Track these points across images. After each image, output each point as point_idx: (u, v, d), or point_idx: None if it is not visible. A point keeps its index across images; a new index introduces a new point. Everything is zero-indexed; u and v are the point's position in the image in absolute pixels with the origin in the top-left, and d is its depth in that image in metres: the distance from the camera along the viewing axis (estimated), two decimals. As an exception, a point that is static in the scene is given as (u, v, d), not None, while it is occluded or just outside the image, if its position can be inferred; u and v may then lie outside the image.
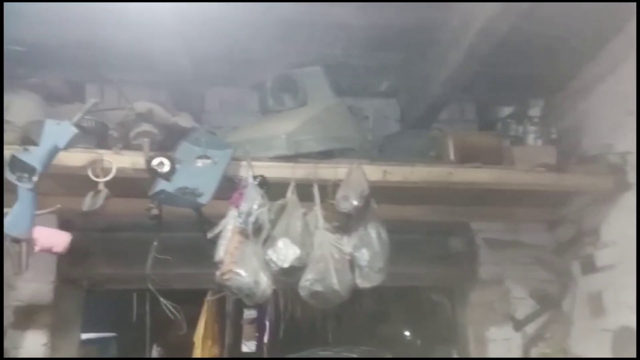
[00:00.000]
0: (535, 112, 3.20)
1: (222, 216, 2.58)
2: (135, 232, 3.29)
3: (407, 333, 9.02)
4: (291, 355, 7.35)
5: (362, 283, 2.48)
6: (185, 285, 3.39)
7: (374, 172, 2.70)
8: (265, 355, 8.16)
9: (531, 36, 2.92)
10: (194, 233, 2.92)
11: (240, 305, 7.97)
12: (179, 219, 2.63)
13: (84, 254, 3.18)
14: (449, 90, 3.22)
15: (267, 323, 8.50)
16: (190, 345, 6.84)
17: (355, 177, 2.56)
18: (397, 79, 3.62)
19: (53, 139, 2.23)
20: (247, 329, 8.84)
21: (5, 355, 2.95)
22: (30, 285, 3.04)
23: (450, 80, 3.09)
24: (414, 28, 3.10)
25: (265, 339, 8.43)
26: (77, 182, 2.63)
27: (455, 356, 6.33)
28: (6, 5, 2.63)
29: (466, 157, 2.89)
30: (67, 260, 3.04)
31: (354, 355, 7.10)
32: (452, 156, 2.89)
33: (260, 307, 8.45)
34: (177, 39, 2.71)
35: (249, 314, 8.92)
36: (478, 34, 2.69)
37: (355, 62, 3.41)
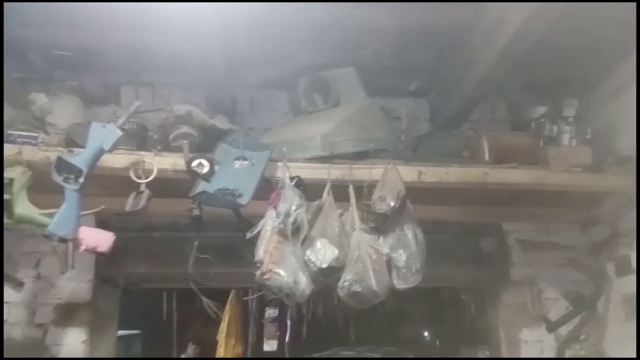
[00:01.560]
0: (569, 112, 3.17)
1: (258, 216, 2.62)
2: (169, 232, 3.35)
3: (426, 334, 9.03)
4: (315, 355, 7.40)
5: (400, 284, 2.50)
6: (218, 284, 3.42)
7: (409, 173, 2.71)
8: (287, 354, 8.22)
9: (565, 37, 2.90)
10: (226, 233, 2.99)
11: (262, 305, 8.05)
12: (212, 219, 2.68)
13: (121, 254, 3.23)
14: (482, 91, 3.22)
15: (289, 322, 8.57)
16: (214, 343, 6.93)
17: (391, 177, 2.58)
18: (426, 80, 3.62)
19: (98, 141, 2.28)
20: (269, 328, 8.89)
21: (47, 352, 3.03)
22: (70, 284, 3.11)
23: (483, 81, 3.09)
24: (445, 29, 3.12)
25: (287, 338, 8.50)
26: (115, 183, 2.69)
27: (480, 356, 6.31)
28: (47, 11, 2.71)
29: (501, 157, 2.88)
30: (105, 260, 3.11)
31: (378, 355, 7.13)
32: (487, 156, 2.88)
33: (281, 307, 8.52)
34: (214, 41, 2.75)
35: (271, 313, 8.98)
36: (514, 35, 2.67)
37: (385, 63, 3.43)
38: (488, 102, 3.67)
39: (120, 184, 2.66)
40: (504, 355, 3.47)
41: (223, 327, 6.80)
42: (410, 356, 7.57)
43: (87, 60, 3.18)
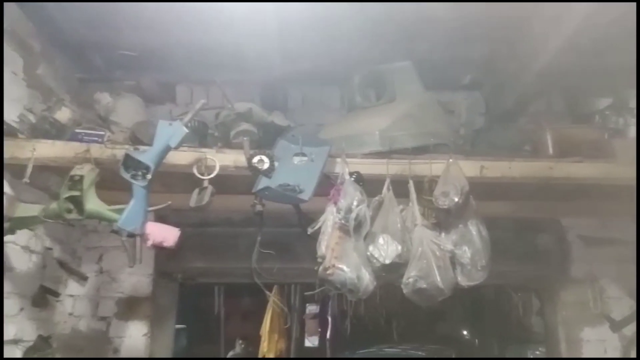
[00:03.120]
0: (635, 103, 3.04)
1: (316, 212, 2.62)
2: (224, 227, 3.40)
3: (465, 332, 8.91)
4: (360, 351, 7.38)
5: (464, 281, 2.45)
6: (272, 279, 3.45)
7: (471, 168, 2.66)
8: (328, 351, 8.24)
9: (630, 25, 2.78)
10: (279, 229, 3.00)
11: (303, 301, 8.09)
12: (265, 215, 2.68)
13: (179, 249, 3.29)
14: (542, 83, 3.13)
15: (330, 319, 8.59)
16: (258, 338, 7.00)
17: (453, 173, 2.53)
18: (481, 72, 3.55)
19: (165, 139, 2.31)
20: (310, 324, 8.95)
21: (110, 344, 3.13)
22: (131, 278, 3.20)
23: (544, 73, 3.00)
24: (502, 20, 3.03)
25: (328, 334, 8.52)
26: (175, 179, 2.74)
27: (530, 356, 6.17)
28: (108, 13, 2.77)
29: (565, 151, 2.79)
30: (164, 255, 3.18)
31: (422, 354, 7.07)
32: (551, 150, 2.79)
33: (322, 303, 8.55)
34: (272, 39, 2.76)
35: (312, 309, 9.03)
36: (579, 26, 2.59)
37: (439, 56, 3.36)
38: (546, 95, 3.57)
39: (180, 180, 2.71)
40: (564, 355, 3.38)
41: (266, 322, 6.88)
42: (453, 356, 7.49)
43: (144, 60, 3.25)
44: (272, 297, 5.88)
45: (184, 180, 2.67)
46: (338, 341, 8.07)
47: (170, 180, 2.79)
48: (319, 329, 8.69)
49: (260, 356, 6.71)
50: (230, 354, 7.10)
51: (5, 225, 2.45)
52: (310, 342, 8.71)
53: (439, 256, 2.40)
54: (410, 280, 2.35)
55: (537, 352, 6.21)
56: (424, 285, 2.33)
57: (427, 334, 8.32)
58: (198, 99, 3.48)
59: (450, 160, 2.59)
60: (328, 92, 3.69)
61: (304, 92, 3.69)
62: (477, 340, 8.73)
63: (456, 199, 2.42)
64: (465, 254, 2.45)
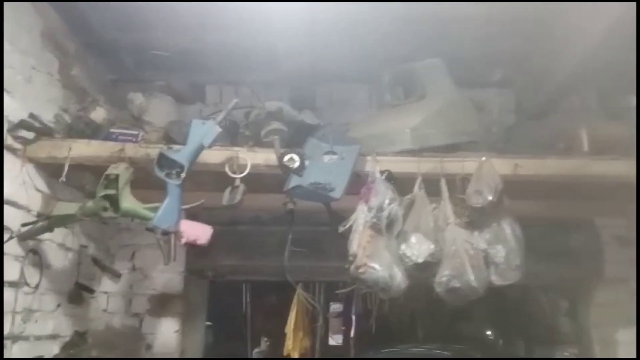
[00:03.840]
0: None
1: (345, 210, 2.62)
2: (253, 225, 3.43)
3: (488, 332, 8.80)
4: (384, 350, 7.36)
5: (498, 280, 2.42)
6: (301, 277, 3.47)
7: (504, 166, 2.61)
8: (352, 349, 8.23)
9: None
10: (307, 227, 3.01)
11: (327, 299, 8.09)
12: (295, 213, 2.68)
13: (209, 247, 3.33)
14: (575, 80, 3.07)
15: (353, 317, 8.57)
16: (283, 336, 7.02)
17: (486, 171, 2.50)
18: (512, 69, 3.50)
19: (199, 138, 2.33)
20: (334, 323, 8.94)
21: (143, 341, 3.18)
22: (163, 276, 3.25)
23: (577, 69, 2.95)
24: (533, 16, 2.98)
25: (352, 333, 8.51)
26: (206, 178, 2.77)
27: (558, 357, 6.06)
28: (141, 14, 2.82)
29: (600, 148, 2.73)
30: (194, 253, 3.22)
31: (447, 354, 7.01)
32: (585, 148, 2.74)
33: (346, 301, 8.55)
34: (303, 38, 2.76)
35: (335, 308, 9.02)
36: (615, 21, 2.53)
37: (469, 53, 3.32)
38: (579, 92, 3.49)
39: (210, 179, 2.73)
40: (597, 356, 3.32)
41: (291, 320, 6.91)
42: (479, 356, 7.40)
43: (175, 61, 3.29)
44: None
45: (214, 178, 2.70)
46: (362, 340, 8.05)
47: (200, 179, 2.82)
48: (343, 328, 8.70)
49: (285, 354, 6.74)
50: (255, 351, 7.13)
51: (44, 223, 2.51)
52: (334, 340, 8.71)
53: (473, 255, 2.38)
54: (444, 279, 2.33)
55: (566, 354, 6.09)
56: (458, 285, 2.31)
57: (451, 333, 8.24)
58: (227, 98, 3.53)
59: (483, 158, 2.56)
60: (355, 90, 3.69)
61: (332, 90, 3.69)
62: (501, 341, 8.62)
63: (490, 198, 2.39)
64: (499, 253, 2.41)
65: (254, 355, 7.14)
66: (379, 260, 2.37)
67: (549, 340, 6.57)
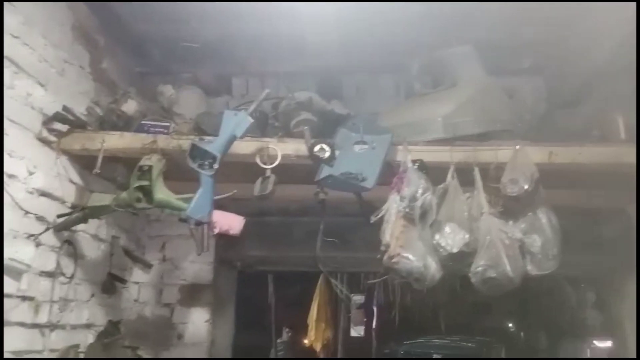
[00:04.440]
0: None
1: (376, 200, 2.60)
2: (281, 216, 3.43)
3: (510, 324, 8.72)
4: (407, 342, 7.34)
5: (534, 270, 2.39)
6: (331, 267, 3.47)
7: (539, 154, 2.57)
8: (374, 341, 8.24)
9: None
10: (335, 218, 3.00)
11: (349, 290, 8.09)
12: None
13: (237, 237, 3.34)
14: (609, 66, 2.99)
15: (375, 309, 8.57)
16: (305, 327, 7.05)
17: (521, 159, 2.46)
18: (542, 56, 3.42)
19: (231, 129, 2.34)
20: (356, 314, 8.95)
21: (174, 330, 3.21)
22: (193, 266, 3.28)
23: (610, 56, 2.87)
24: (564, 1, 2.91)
25: (374, 324, 8.51)
26: (236, 169, 2.76)
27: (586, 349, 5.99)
28: (171, 5, 2.82)
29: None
30: (224, 243, 3.24)
31: (471, 345, 6.97)
32: (622, 135, 2.67)
33: (368, 293, 8.54)
34: (331, 28, 2.74)
35: (357, 299, 9.02)
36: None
37: (498, 40, 3.25)
38: (612, 79, 3.40)
39: (240, 170, 2.73)
40: (631, 349, 3.25)
41: (313, 311, 6.93)
42: (503, 349, 7.35)
43: (202, 53, 3.28)
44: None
45: (244, 169, 2.69)
46: (383, 331, 8.06)
47: (230, 170, 2.81)
48: (365, 319, 8.71)
49: (307, 344, 6.79)
50: (277, 341, 7.19)
51: (79, 214, 2.55)
52: (356, 331, 8.73)
53: (508, 245, 2.35)
54: (480, 269, 2.30)
55: (593, 346, 6.02)
56: (494, 275, 2.28)
57: (473, 325, 8.19)
58: (254, 90, 3.54)
59: (518, 146, 2.51)
60: (383, 80, 3.65)
61: (358, 80, 3.66)
62: (522, 333, 8.56)
63: (526, 187, 2.36)
64: (535, 242, 2.38)
65: (277, 346, 7.20)
66: (412, 251, 2.36)
67: (573, 332, 6.49)
